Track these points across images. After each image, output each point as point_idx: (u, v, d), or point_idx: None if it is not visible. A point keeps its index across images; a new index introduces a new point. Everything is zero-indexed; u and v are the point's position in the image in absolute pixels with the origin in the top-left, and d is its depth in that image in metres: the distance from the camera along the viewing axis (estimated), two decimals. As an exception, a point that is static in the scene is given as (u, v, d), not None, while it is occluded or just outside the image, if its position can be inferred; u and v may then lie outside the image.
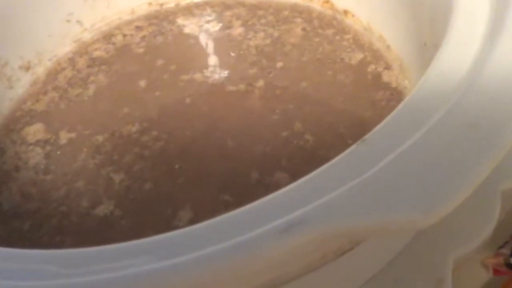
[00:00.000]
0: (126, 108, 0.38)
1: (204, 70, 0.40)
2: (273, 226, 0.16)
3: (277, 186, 0.32)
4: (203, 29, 0.43)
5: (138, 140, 0.36)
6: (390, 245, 0.23)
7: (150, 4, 0.46)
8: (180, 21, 0.44)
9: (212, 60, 0.41)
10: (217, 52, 0.42)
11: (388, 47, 0.38)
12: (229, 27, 0.43)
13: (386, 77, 0.37)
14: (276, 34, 0.41)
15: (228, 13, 0.44)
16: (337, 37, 0.40)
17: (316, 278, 0.19)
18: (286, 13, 0.42)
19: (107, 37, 0.45)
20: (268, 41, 0.41)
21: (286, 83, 0.37)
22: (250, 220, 0.17)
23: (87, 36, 0.45)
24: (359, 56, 0.38)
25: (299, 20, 0.41)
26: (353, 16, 0.41)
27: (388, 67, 0.38)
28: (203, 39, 0.43)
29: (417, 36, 0.34)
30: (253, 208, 0.17)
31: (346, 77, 0.37)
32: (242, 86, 0.38)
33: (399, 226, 0.16)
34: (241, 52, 0.40)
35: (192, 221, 0.31)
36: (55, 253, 0.19)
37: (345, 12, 0.41)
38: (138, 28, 0.45)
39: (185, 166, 0.34)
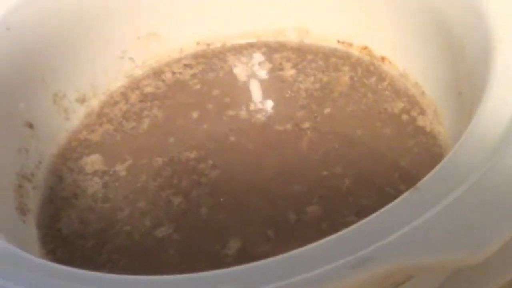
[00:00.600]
0: (181, 139, 0.42)
1: (254, 108, 0.43)
2: (343, 262, 0.19)
3: (314, 222, 0.35)
4: (255, 69, 0.46)
5: (196, 167, 0.39)
6: (434, 278, 0.26)
7: (198, 43, 0.49)
8: (230, 60, 0.47)
9: (263, 98, 0.44)
10: (268, 91, 0.45)
11: (423, 93, 0.41)
12: (281, 69, 0.46)
13: (421, 121, 0.40)
14: (325, 79, 0.44)
15: (277, 55, 0.47)
16: (379, 87, 0.42)
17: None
18: (334, 59, 0.45)
19: (157, 74, 0.48)
20: (317, 85, 0.44)
21: (331, 129, 0.40)
22: (322, 256, 0.20)
23: (138, 72, 0.48)
24: (400, 105, 0.41)
25: (346, 68, 0.44)
26: (389, 62, 0.44)
27: (422, 112, 0.40)
28: (255, 78, 0.46)
29: (453, 85, 0.36)
30: (324, 244, 0.20)
31: (388, 127, 0.40)
32: (288, 127, 0.41)
33: (453, 264, 0.19)
34: (292, 94, 0.43)
35: (240, 251, 0.34)
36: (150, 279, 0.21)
37: (382, 59, 0.44)
38: (187, 66, 0.48)
39: (234, 198, 0.37)
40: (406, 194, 0.22)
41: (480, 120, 0.25)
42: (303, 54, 0.46)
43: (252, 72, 0.47)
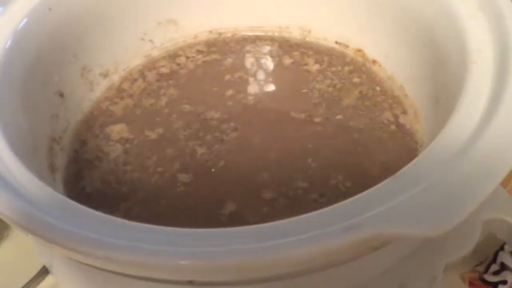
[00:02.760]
0: (202, 103, 0.48)
1: (273, 93, 0.50)
2: (338, 227, 0.25)
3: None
4: (268, 60, 0.52)
5: (219, 126, 0.46)
6: (401, 249, 0.32)
7: (210, 32, 0.55)
8: (244, 49, 0.53)
9: (280, 86, 0.50)
10: (287, 82, 0.51)
11: (406, 95, 0.47)
12: (305, 64, 0.51)
13: (402, 119, 0.46)
14: (339, 86, 0.49)
15: (296, 52, 0.52)
16: (379, 99, 0.47)
17: (352, 266, 0.29)
18: (347, 68, 0.50)
19: (172, 56, 0.54)
20: (330, 89, 0.49)
21: (335, 129, 0.46)
22: (321, 221, 0.26)
23: (155, 53, 0.54)
24: (390, 114, 0.47)
25: (358, 80, 0.50)
26: (380, 66, 0.50)
27: (404, 111, 0.46)
28: (264, 67, 0.52)
29: (432, 93, 0.42)
30: (322, 212, 0.26)
31: (381, 134, 0.45)
32: (302, 116, 0.46)
33: (416, 237, 0.25)
34: (307, 90, 0.49)
35: (233, 214, 0.40)
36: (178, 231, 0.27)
37: (374, 62, 0.50)
38: (199, 52, 0.54)
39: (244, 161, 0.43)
40: (387, 180, 0.28)
41: (452, 125, 0.31)
42: (321, 54, 0.52)
43: (265, 63, 0.52)
